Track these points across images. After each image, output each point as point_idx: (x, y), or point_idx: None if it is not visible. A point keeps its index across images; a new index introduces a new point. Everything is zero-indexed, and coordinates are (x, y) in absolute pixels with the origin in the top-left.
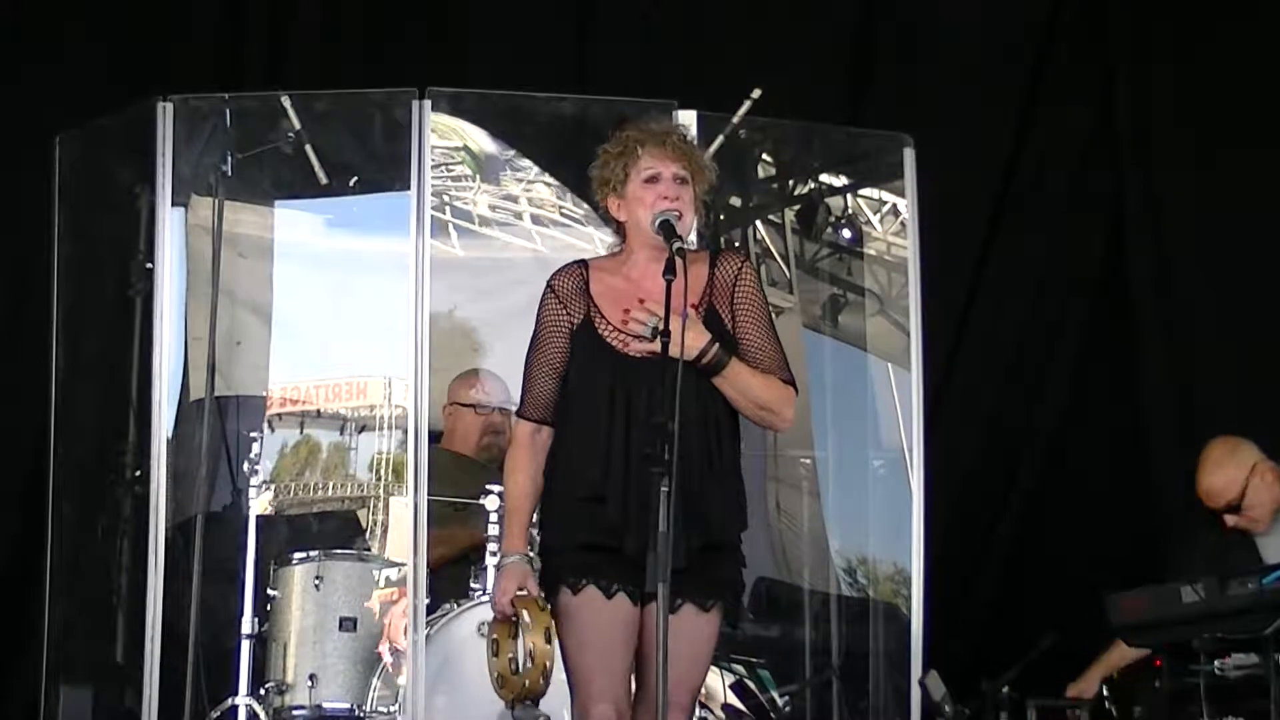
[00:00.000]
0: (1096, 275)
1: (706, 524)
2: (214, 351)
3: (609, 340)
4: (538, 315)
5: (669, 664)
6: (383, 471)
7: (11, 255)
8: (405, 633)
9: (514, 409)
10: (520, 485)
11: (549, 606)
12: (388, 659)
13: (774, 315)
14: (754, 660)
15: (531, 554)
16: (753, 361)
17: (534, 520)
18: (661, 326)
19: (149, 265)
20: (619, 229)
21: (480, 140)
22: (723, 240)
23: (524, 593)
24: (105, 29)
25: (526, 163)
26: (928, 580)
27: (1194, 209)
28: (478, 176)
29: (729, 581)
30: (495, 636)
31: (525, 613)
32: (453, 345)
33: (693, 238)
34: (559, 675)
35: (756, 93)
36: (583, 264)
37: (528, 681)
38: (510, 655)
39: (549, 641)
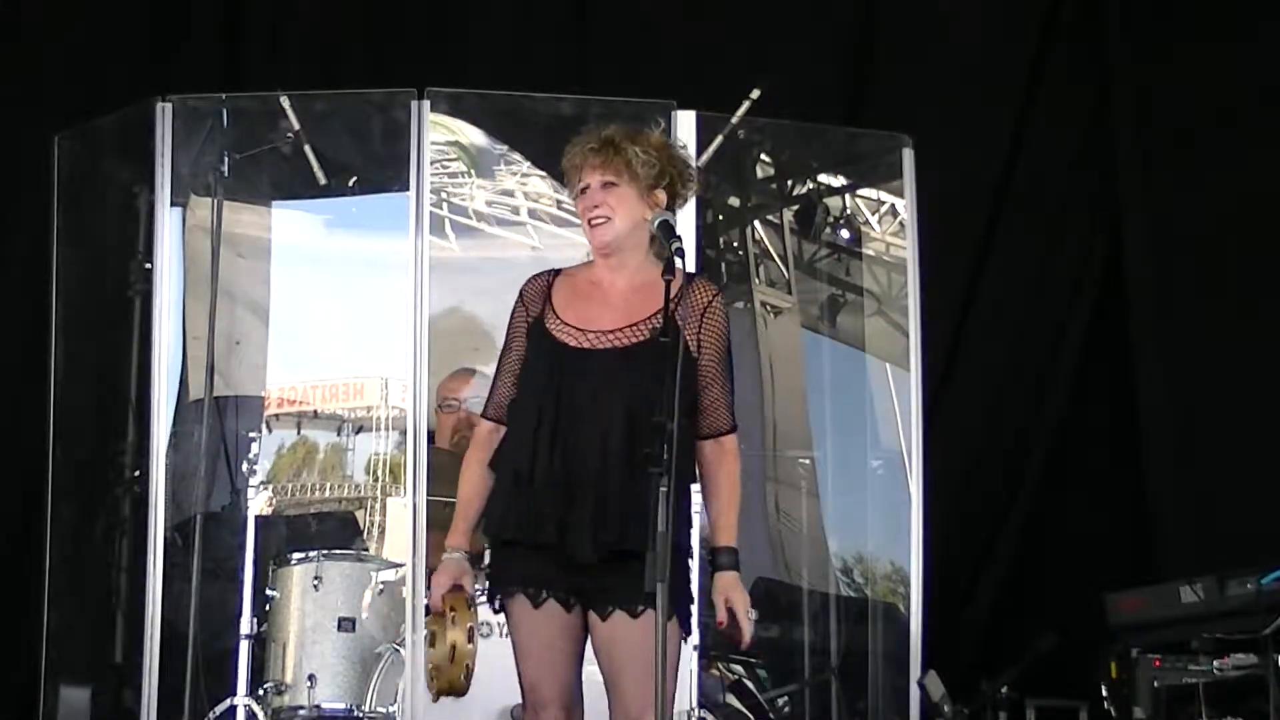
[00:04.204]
0: (1096, 275)
1: (622, 527)
2: (213, 351)
3: (555, 334)
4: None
5: (620, 674)
6: (380, 472)
7: (11, 255)
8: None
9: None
10: (470, 483)
11: (476, 606)
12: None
13: (773, 315)
14: (753, 660)
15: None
16: (701, 394)
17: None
18: (660, 326)
19: (148, 265)
20: None
21: (472, 135)
22: (721, 240)
23: (460, 589)
24: (105, 29)
25: (520, 156)
26: (927, 580)
27: (1194, 209)
28: (473, 172)
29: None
30: (433, 629)
31: (453, 611)
32: (451, 345)
33: (639, 234)
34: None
35: (756, 93)
36: (555, 270)
37: (449, 678)
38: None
39: (471, 640)
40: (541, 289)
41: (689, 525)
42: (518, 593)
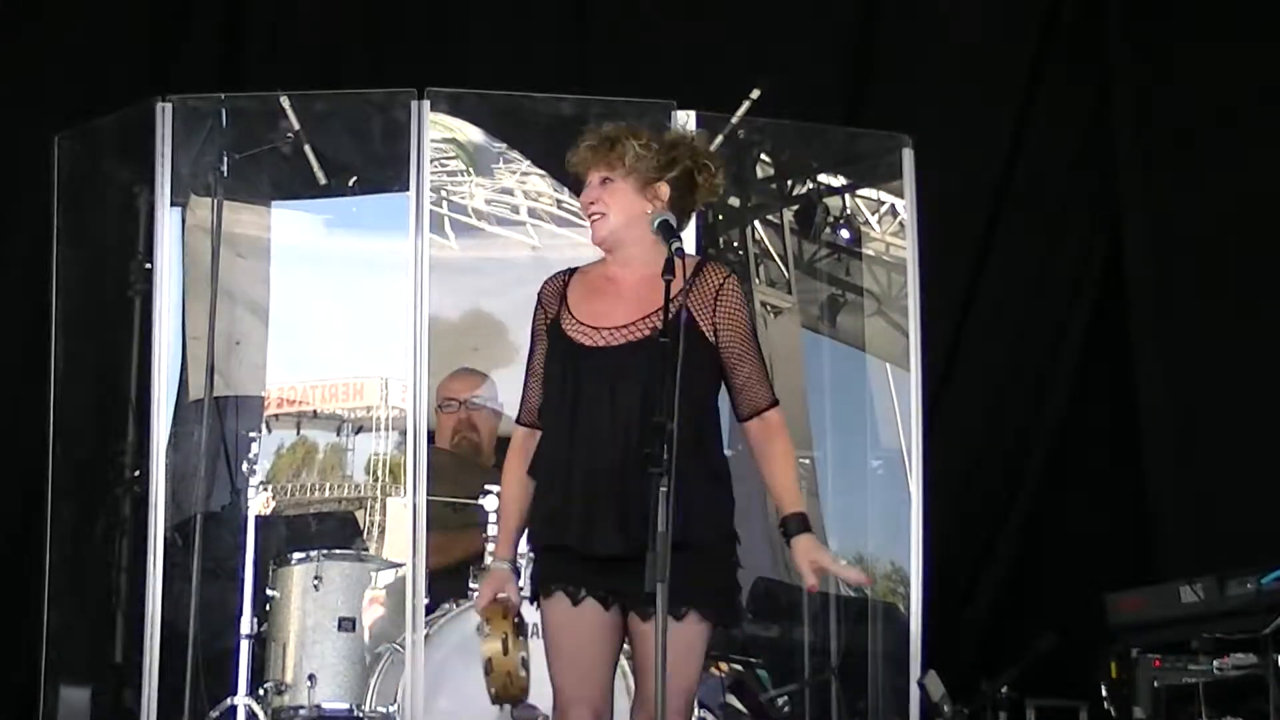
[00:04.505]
0: (1096, 275)
1: (645, 523)
2: (213, 351)
3: (569, 333)
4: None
5: (649, 670)
6: (380, 472)
7: (11, 255)
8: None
9: (483, 404)
10: (509, 491)
11: (510, 614)
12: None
13: (773, 315)
14: (753, 660)
15: (520, 561)
16: (732, 375)
17: None
18: (661, 327)
19: (148, 265)
20: None
21: (470, 133)
22: (721, 240)
23: (503, 597)
24: (105, 29)
25: (519, 154)
26: (927, 580)
27: (1194, 209)
28: (471, 170)
29: (704, 587)
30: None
31: (488, 623)
32: (451, 345)
33: (638, 228)
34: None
35: (756, 93)
36: (571, 270)
37: (494, 686)
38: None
39: (506, 652)
40: (557, 289)
41: (730, 509)
42: (557, 590)
